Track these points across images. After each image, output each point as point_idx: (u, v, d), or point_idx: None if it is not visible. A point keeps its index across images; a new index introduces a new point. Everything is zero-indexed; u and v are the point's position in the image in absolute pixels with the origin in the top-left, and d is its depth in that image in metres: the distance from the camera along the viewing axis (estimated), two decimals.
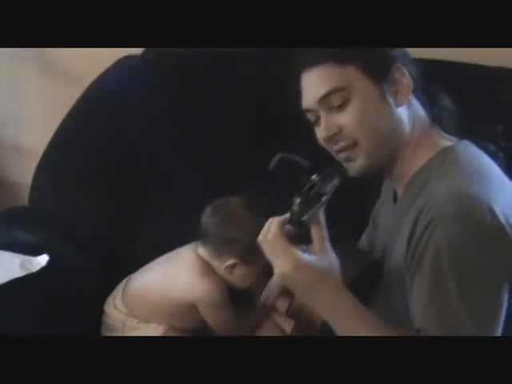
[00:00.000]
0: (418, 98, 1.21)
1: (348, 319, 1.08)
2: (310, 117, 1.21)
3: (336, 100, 1.15)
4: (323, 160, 1.15)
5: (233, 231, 1.44)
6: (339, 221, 1.14)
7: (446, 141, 1.19)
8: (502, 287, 1.03)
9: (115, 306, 1.53)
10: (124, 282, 1.57)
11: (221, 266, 1.46)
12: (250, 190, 1.55)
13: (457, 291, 1.01)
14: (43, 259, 1.50)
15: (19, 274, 1.44)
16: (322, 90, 1.16)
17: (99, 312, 1.56)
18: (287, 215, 1.07)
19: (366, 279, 1.19)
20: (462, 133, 1.21)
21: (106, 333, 1.54)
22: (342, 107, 1.15)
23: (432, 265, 1.04)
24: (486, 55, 1.55)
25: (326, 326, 1.14)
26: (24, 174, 2.03)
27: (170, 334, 1.49)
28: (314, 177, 1.04)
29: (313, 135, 1.22)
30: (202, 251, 1.49)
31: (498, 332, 1.03)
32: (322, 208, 1.05)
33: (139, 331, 1.49)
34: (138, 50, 1.84)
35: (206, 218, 1.47)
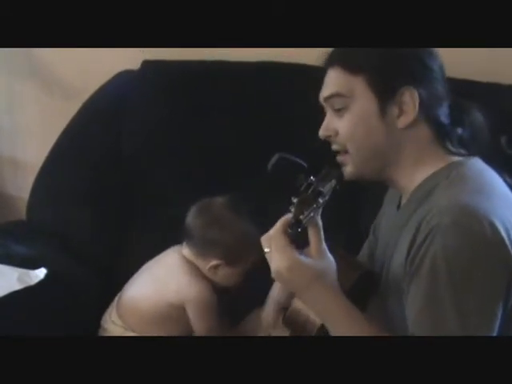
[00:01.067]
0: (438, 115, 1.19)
1: (341, 321, 1.09)
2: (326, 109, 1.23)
3: (337, 104, 1.17)
4: (320, 166, 1.14)
5: (217, 232, 1.45)
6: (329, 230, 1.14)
7: (455, 156, 1.18)
8: (497, 301, 1.03)
9: (112, 321, 1.53)
10: (118, 295, 1.57)
11: (205, 266, 1.47)
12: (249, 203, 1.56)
13: (450, 301, 1.02)
14: (41, 272, 1.50)
15: (17, 287, 1.44)
16: (328, 90, 1.19)
17: (96, 324, 1.55)
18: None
19: (361, 287, 1.19)
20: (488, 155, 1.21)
21: None
22: (341, 112, 1.17)
23: (429, 273, 1.04)
24: None
25: (321, 334, 1.15)
26: (21, 187, 2.03)
27: None
28: (311, 178, 1.05)
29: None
30: (187, 252, 1.50)
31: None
32: (319, 210, 1.06)
33: None
34: (136, 64, 1.85)
35: (191, 219, 1.48)
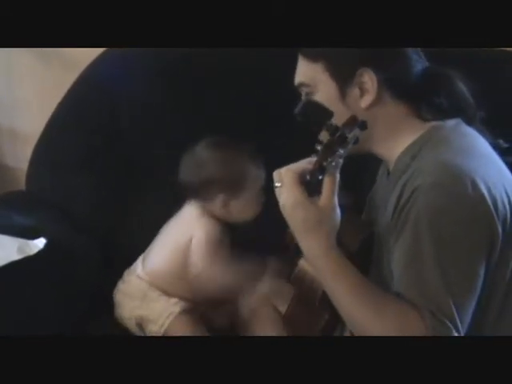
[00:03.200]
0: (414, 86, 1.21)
1: (333, 275, 1.10)
2: None
3: (305, 90, 1.25)
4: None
5: (206, 170, 1.46)
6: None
7: (434, 122, 1.20)
8: (479, 258, 1.05)
9: (137, 275, 1.53)
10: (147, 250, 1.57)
11: (216, 207, 1.49)
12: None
13: (433, 259, 1.04)
14: (40, 242, 1.50)
15: (16, 257, 1.44)
16: (296, 79, 1.27)
17: (98, 293, 1.56)
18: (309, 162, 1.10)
19: (367, 248, 1.22)
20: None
21: (118, 297, 1.53)
22: (310, 96, 1.24)
23: (412, 232, 1.06)
24: None
25: (325, 298, 1.16)
26: (20, 158, 2.03)
27: (188, 313, 1.48)
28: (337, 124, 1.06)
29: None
30: (195, 206, 1.52)
31: (473, 304, 1.05)
32: (340, 163, 1.07)
33: (158, 304, 1.48)
34: None
35: (182, 174, 1.50)
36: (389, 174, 1.26)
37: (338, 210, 1.10)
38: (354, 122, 1.07)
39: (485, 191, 1.05)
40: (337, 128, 1.05)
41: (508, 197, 1.09)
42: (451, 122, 1.19)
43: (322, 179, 1.07)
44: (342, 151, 1.05)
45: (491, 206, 1.05)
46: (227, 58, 1.72)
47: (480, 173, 1.07)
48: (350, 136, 1.05)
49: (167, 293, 1.49)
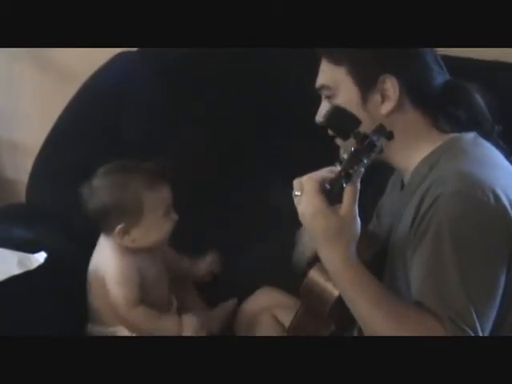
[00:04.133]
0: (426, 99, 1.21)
1: (351, 283, 1.09)
2: None
3: (326, 93, 1.25)
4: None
5: (100, 202, 1.42)
6: None
7: (451, 134, 1.20)
8: (500, 268, 1.05)
9: None
10: None
11: (117, 236, 1.43)
12: (250, 191, 1.54)
13: (454, 267, 1.04)
14: (41, 256, 1.49)
15: (17, 271, 1.43)
16: (318, 81, 1.26)
17: None
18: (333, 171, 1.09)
19: (379, 261, 1.20)
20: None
21: None
22: (331, 99, 1.23)
23: (433, 241, 1.06)
24: None
25: (334, 310, 1.14)
26: (21, 170, 2.03)
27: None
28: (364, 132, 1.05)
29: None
30: (105, 238, 1.48)
31: (493, 312, 1.05)
32: (362, 172, 1.05)
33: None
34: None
35: (83, 207, 1.45)
36: (403, 186, 1.26)
37: (359, 220, 1.09)
38: (381, 130, 1.06)
39: (506, 202, 1.05)
40: (365, 136, 1.03)
41: None
42: (469, 135, 1.20)
43: (342, 188, 1.06)
44: (366, 160, 1.04)
45: (511, 215, 1.05)
46: (231, 58, 1.72)
47: (500, 184, 1.07)
48: (378, 145, 1.04)
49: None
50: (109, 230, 1.44)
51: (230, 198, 1.76)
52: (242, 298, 1.61)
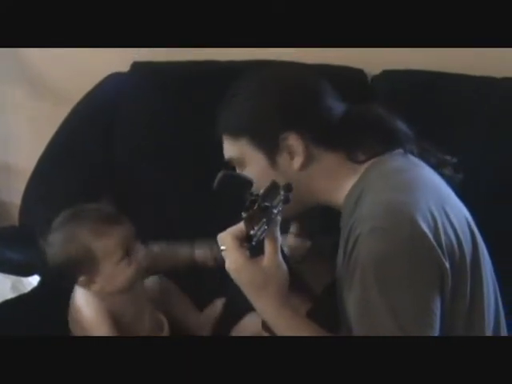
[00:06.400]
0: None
1: (288, 329, 1.10)
2: None
3: (236, 164, 1.26)
4: None
5: (55, 256, 1.38)
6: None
7: (370, 160, 1.19)
8: (431, 297, 1.04)
9: None
10: None
11: (84, 286, 1.41)
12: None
13: (385, 306, 1.03)
14: (34, 279, 1.48)
15: (10, 295, 1.43)
16: (225, 155, 1.27)
17: None
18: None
19: (331, 292, 1.19)
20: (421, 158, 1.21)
21: None
22: (242, 169, 1.24)
23: (360, 282, 1.06)
24: None
25: None
26: (13, 192, 2.02)
27: None
28: (256, 193, 1.04)
29: None
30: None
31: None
32: (277, 221, 1.05)
33: None
34: (126, 66, 1.84)
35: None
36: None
37: (285, 267, 1.09)
38: (274, 187, 1.05)
39: (425, 228, 1.03)
40: (255, 198, 1.03)
41: (451, 224, 1.08)
42: (385, 157, 1.18)
43: (262, 240, 1.06)
44: (269, 216, 1.03)
45: (434, 242, 1.03)
46: (223, 73, 1.71)
47: (420, 207, 1.05)
48: (274, 203, 1.03)
49: None
50: (74, 282, 1.41)
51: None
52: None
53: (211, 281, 1.61)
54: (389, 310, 1.03)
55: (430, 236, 1.03)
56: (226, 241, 1.09)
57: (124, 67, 1.85)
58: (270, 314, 1.11)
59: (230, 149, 1.25)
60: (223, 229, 1.69)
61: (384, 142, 1.21)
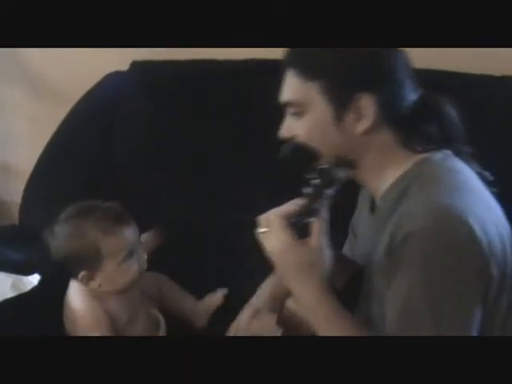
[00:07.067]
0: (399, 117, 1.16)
1: (326, 320, 1.08)
2: None
3: (294, 109, 1.15)
4: None
5: (59, 249, 1.38)
6: None
7: (422, 154, 1.15)
8: (474, 304, 1.03)
9: None
10: None
11: (83, 283, 1.41)
12: (241, 208, 1.53)
13: (427, 306, 1.01)
14: (35, 278, 1.49)
15: (10, 294, 1.43)
16: (284, 96, 1.17)
17: None
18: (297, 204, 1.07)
19: (354, 286, 1.18)
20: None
21: None
22: (299, 116, 1.15)
23: (405, 279, 1.03)
24: None
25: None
26: (13, 192, 2.02)
27: None
28: (324, 166, 1.04)
29: None
30: (74, 281, 1.44)
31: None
32: (328, 202, 1.04)
33: None
34: (125, 65, 1.84)
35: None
36: (373, 207, 1.22)
37: (328, 251, 1.08)
38: (343, 162, 1.05)
39: (478, 232, 1.01)
40: (326, 171, 1.03)
41: (499, 232, 1.07)
42: (439, 156, 1.15)
43: (309, 222, 1.05)
44: (330, 192, 1.03)
45: (485, 249, 1.02)
46: (221, 75, 1.73)
47: (474, 211, 1.03)
48: (340, 177, 1.04)
49: None
50: (74, 276, 1.41)
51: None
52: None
53: (211, 273, 1.63)
54: (430, 310, 1.01)
55: (483, 243, 1.01)
56: (274, 221, 1.06)
57: (123, 66, 1.85)
58: (311, 301, 1.08)
59: (295, 88, 1.14)
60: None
61: (443, 135, 1.17)
